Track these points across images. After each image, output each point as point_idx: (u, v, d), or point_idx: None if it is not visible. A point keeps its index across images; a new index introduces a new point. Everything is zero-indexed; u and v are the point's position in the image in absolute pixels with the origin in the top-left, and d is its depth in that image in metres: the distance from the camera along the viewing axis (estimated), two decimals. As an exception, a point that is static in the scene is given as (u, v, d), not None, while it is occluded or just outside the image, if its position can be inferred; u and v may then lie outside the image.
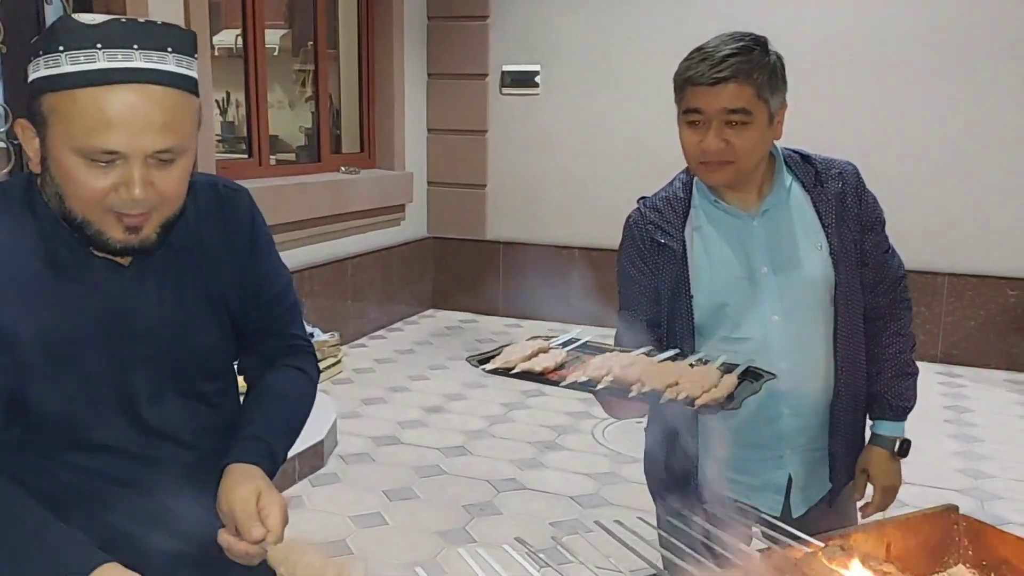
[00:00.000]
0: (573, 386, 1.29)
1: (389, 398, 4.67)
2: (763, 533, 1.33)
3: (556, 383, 1.32)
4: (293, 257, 5.03)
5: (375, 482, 3.62)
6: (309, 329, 4.93)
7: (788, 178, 1.64)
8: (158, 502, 1.20)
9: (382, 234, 5.91)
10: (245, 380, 1.39)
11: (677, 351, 1.46)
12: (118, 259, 1.15)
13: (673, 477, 1.70)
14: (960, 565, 1.39)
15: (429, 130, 6.41)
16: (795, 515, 1.66)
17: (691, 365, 1.36)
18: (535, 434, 4.17)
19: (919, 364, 1.76)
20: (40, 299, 1.11)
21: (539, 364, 1.34)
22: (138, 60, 1.02)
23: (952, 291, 5.30)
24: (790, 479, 1.66)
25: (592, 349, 1.46)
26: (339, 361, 5.06)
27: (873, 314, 1.70)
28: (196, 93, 1.10)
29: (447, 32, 6.21)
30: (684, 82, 1.53)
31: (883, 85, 5.24)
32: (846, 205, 1.63)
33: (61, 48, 1.01)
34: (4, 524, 1.08)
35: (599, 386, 1.28)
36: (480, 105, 6.28)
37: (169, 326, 1.20)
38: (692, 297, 1.62)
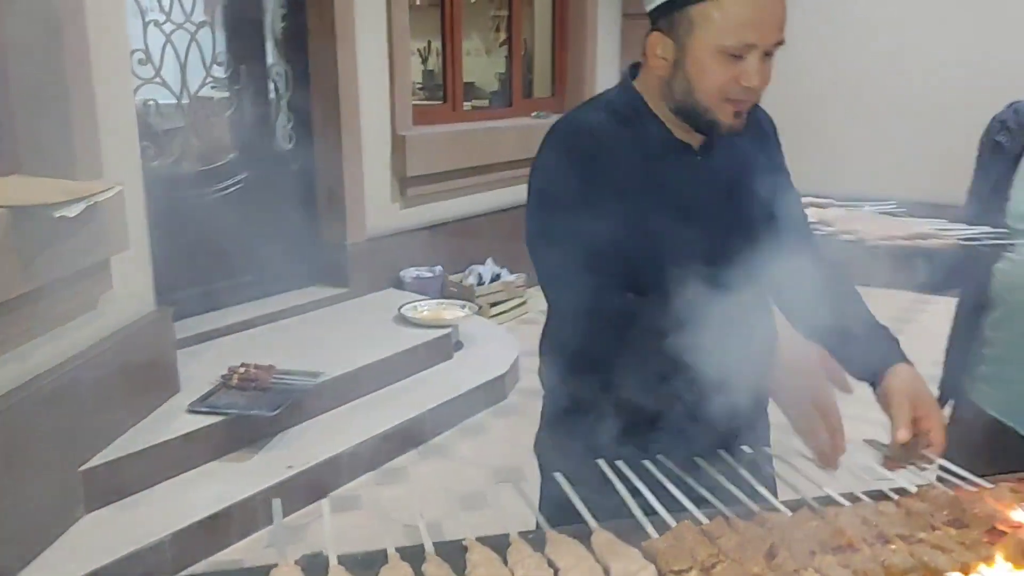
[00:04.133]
0: None
1: (571, 339, 4.73)
2: (939, 479, 1.25)
3: None
4: (483, 200, 5.20)
5: (553, 417, 3.72)
6: (496, 270, 5.10)
7: None
8: None
9: (571, 178, 5.95)
10: None
11: None
12: (691, 144, 1.37)
13: None
14: None
15: (622, 73, 6.32)
16: None
17: None
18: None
19: None
20: (645, 177, 1.34)
21: None
22: None
23: None
24: None
25: None
26: (524, 302, 5.20)
27: None
28: None
29: (642, -28, 6.07)
30: None
31: None
32: None
33: None
34: None
35: None
36: (674, 46, 6.11)
37: (722, 203, 1.37)
38: None
